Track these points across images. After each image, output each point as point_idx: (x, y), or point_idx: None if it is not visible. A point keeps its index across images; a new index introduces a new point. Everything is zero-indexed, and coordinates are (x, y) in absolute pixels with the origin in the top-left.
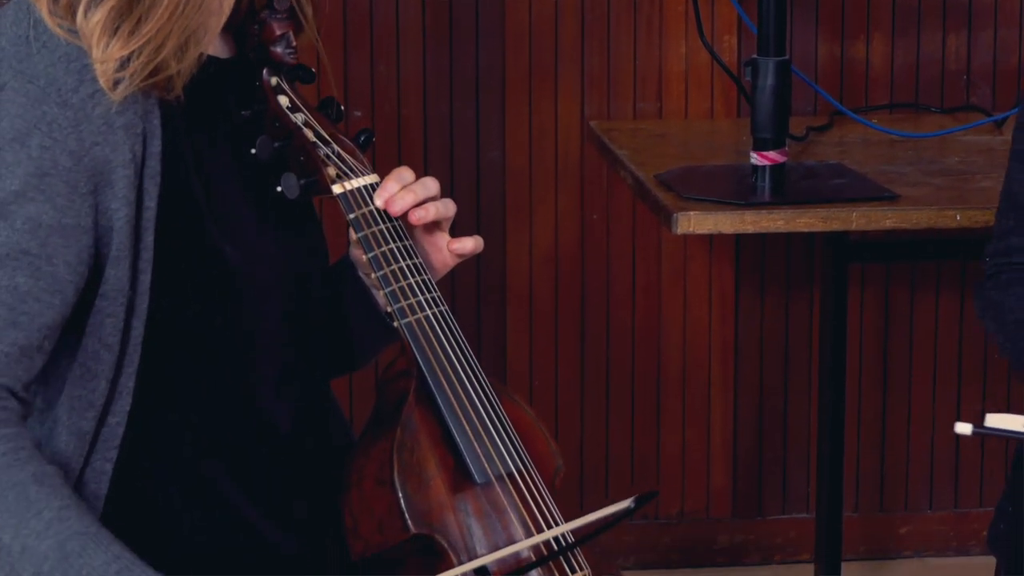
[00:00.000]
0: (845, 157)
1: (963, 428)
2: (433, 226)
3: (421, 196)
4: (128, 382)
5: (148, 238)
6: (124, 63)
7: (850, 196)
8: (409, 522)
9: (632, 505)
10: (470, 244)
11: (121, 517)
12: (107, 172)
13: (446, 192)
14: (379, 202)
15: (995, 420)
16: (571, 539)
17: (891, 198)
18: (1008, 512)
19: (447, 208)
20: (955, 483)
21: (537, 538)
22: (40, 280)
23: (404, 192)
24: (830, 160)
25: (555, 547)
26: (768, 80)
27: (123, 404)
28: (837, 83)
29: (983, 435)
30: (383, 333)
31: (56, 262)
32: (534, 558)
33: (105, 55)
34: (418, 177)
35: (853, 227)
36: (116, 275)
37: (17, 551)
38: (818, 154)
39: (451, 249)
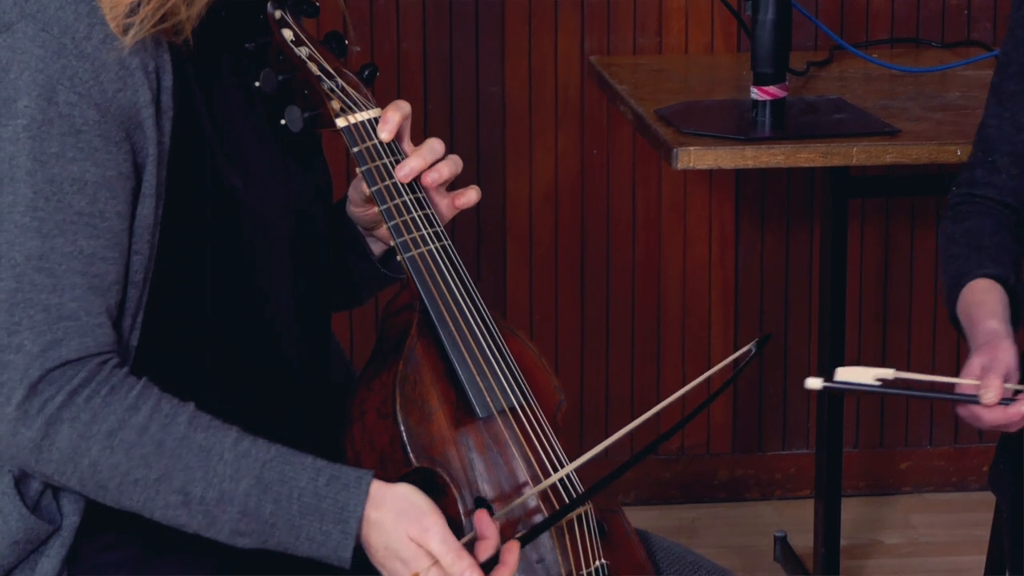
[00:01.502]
0: (846, 92)
1: (814, 383)
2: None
3: (430, 160)
4: (137, 313)
5: (161, 173)
6: (134, 9)
7: (850, 131)
8: (411, 455)
9: (754, 349)
10: (473, 195)
11: None
12: (135, 115)
13: (445, 127)
14: (384, 135)
15: (845, 374)
16: (579, 486)
17: (892, 133)
18: (1008, 452)
19: (456, 166)
20: (955, 419)
21: (547, 482)
22: (100, 238)
23: (413, 158)
24: (830, 95)
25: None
26: (768, 14)
27: (132, 338)
28: (838, 18)
29: (832, 390)
30: (377, 278)
31: (109, 215)
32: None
33: (115, 0)
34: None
35: (853, 162)
36: (144, 213)
37: (213, 499)
38: (818, 89)
39: (457, 204)
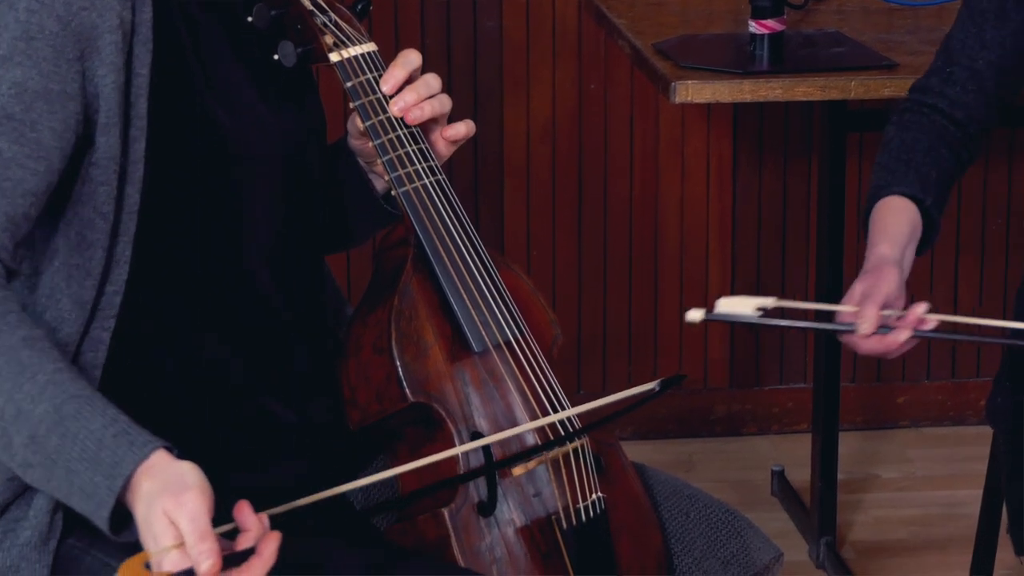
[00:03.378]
0: (844, 25)
1: (694, 315)
2: (430, 120)
3: (424, 95)
4: (125, 250)
5: (141, 105)
6: None
7: (849, 64)
8: (407, 390)
9: (657, 388)
10: (463, 129)
11: (118, 387)
12: (94, 38)
13: (442, 63)
14: (386, 89)
15: (726, 304)
16: (577, 422)
17: (890, 66)
18: (1006, 385)
19: (443, 105)
20: (952, 353)
21: (545, 420)
22: (24, 146)
23: (407, 91)
24: (829, 28)
25: (562, 430)
26: None
27: (120, 273)
28: None
29: (712, 321)
30: (379, 215)
31: (40, 128)
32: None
33: None
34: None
35: (851, 96)
36: (107, 143)
37: (11, 415)
38: (817, 22)
39: (444, 136)
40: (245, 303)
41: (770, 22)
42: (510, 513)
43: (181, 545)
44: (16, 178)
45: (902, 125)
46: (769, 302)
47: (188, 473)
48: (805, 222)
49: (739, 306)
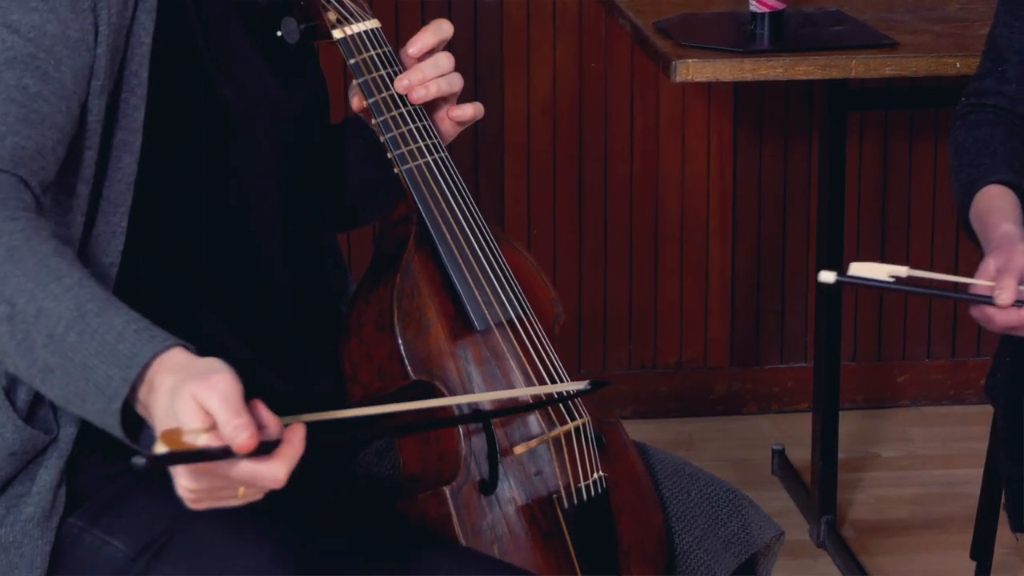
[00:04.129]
0: (844, 4)
1: (827, 276)
2: (439, 98)
3: (430, 75)
4: (121, 221)
5: (143, 74)
6: None
7: (849, 43)
8: (409, 368)
9: (588, 387)
10: (470, 111)
11: None
12: None
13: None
14: (412, 51)
15: (859, 269)
16: (571, 391)
17: (890, 45)
18: (1005, 362)
19: (451, 85)
20: (952, 332)
21: (536, 389)
22: (48, 84)
23: (413, 70)
24: (829, 7)
25: (553, 395)
26: None
27: (116, 245)
28: None
29: (846, 284)
30: (388, 196)
31: (63, 69)
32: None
33: None
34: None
35: (852, 75)
36: (98, 106)
37: (32, 314)
38: (817, 1)
39: (451, 116)
40: (246, 279)
41: (771, 1)
42: (511, 492)
43: (212, 428)
44: (43, 112)
45: (969, 126)
46: (902, 271)
47: (215, 362)
48: (805, 201)
49: (873, 271)
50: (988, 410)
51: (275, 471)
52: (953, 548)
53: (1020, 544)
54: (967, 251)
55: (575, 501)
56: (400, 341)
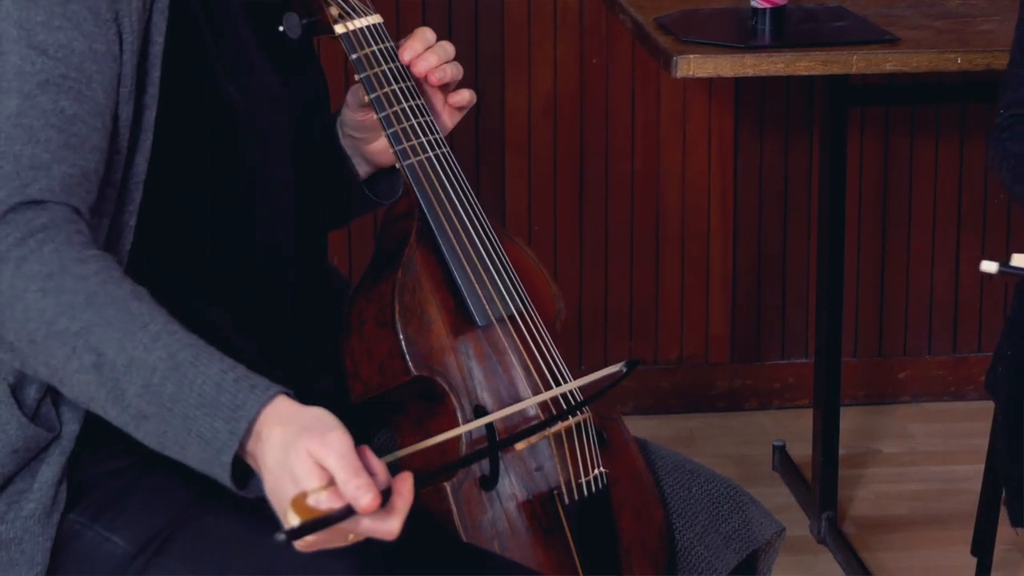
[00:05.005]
0: (845, 0)
1: (989, 266)
2: (440, 87)
3: (443, 59)
4: (130, 220)
5: (155, 74)
6: None
7: (850, 39)
8: (410, 364)
9: (624, 370)
10: (467, 95)
11: None
12: (125, 0)
13: (443, 37)
14: (406, 58)
15: (1021, 260)
16: (578, 396)
17: (892, 41)
18: (1006, 356)
19: (457, 71)
20: (953, 328)
21: (544, 395)
22: (83, 103)
23: (428, 53)
24: (830, 3)
25: (562, 405)
26: None
27: (124, 242)
28: None
29: (1009, 274)
30: (360, 200)
31: (94, 86)
32: (541, 415)
33: None
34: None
35: (853, 70)
36: (126, 112)
37: (123, 365)
38: None
39: (449, 103)
40: (249, 277)
41: None
42: (512, 488)
43: (329, 486)
44: (82, 134)
45: (1017, 137)
46: None
47: (324, 415)
48: (806, 197)
49: None
50: (989, 406)
51: (391, 526)
52: (954, 544)
53: (1020, 540)
54: (968, 247)
55: (576, 497)
56: (401, 337)
